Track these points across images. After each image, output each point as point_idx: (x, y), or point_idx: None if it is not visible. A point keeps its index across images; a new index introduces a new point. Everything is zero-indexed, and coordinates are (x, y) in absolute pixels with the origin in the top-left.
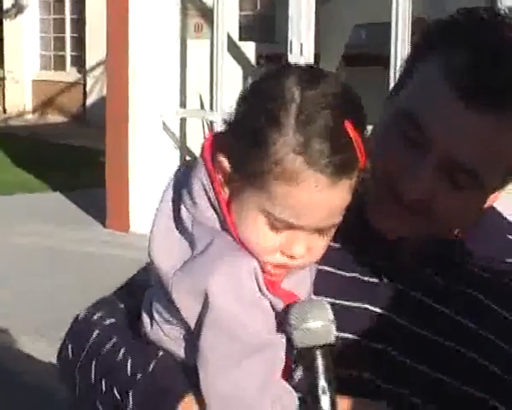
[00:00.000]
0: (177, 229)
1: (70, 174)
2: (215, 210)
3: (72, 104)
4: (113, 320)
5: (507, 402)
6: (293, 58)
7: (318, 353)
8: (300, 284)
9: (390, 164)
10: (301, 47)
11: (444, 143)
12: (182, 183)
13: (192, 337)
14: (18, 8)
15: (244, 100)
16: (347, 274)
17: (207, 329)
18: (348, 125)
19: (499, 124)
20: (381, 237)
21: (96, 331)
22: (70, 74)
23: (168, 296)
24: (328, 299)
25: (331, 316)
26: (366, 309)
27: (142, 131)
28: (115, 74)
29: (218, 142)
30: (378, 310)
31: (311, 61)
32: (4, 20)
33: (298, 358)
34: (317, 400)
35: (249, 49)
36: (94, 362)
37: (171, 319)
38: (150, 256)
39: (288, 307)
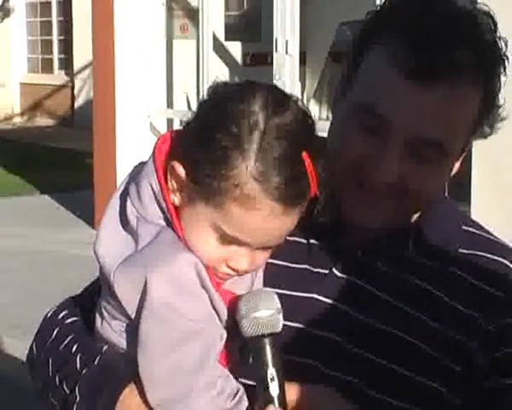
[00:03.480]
0: (122, 225)
1: (58, 176)
2: (162, 212)
3: (60, 107)
4: (74, 319)
5: (452, 388)
6: (279, 56)
7: (266, 341)
8: (240, 282)
9: (354, 155)
10: (286, 45)
11: (403, 123)
12: (133, 179)
13: (134, 328)
14: (4, 12)
15: (207, 112)
16: (298, 266)
17: (145, 316)
18: (305, 156)
19: (448, 95)
20: (341, 230)
21: (57, 329)
22: (58, 77)
23: (111, 290)
24: (278, 290)
25: (279, 305)
26: (314, 299)
27: (129, 132)
28: (102, 76)
29: (175, 145)
30: (326, 300)
31: (297, 58)
32: None
33: (247, 346)
34: (266, 387)
35: (235, 48)
36: (51, 358)
37: (115, 313)
38: (94, 252)
39: (238, 297)
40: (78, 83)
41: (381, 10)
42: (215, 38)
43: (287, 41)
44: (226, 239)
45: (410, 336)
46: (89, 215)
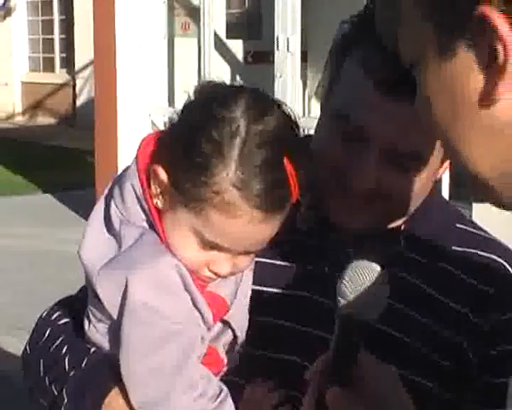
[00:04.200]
0: (106, 227)
1: (60, 175)
2: (145, 214)
3: (62, 106)
4: (66, 320)
5: (442, 384)
6: (280, 54)
7: (355, 331)
8: (224, 285)
9: (335, 160)
10: (288, 43)
11: (379, 134)
12: (117, 182)
13: (117, 330)
14: (6, 11)
15: (189, 117)
16: (289, 264)
17: (126, 318)
18: (286, 162)
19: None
20: (334, 231)
21: (49, 330)
22: (59, 76)
23: (94, 292)
24: (270, 289)
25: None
26: (307, 297)
27: (130, 130)
28: (103, 75)
29: (158, 148)
30: (319, 298)
31: (299, 56)
32: None
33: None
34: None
35: (237, 46)
36: (42, 359)
37: (100, 315)
38: (79, 255)
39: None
40: (79, 82)
41: (359, 16)
42: (216, 36)
43: (288, 39)
44: (207, 244)
45: (401, 333)
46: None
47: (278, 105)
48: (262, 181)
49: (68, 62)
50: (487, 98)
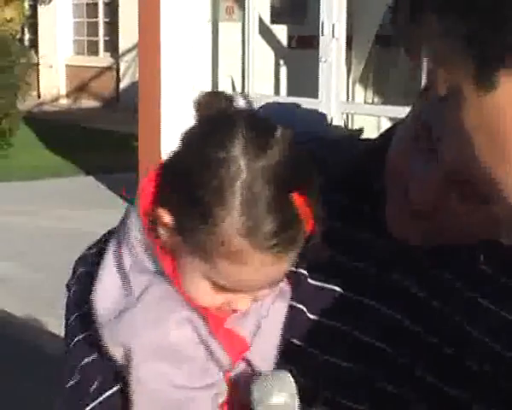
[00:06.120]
0: (117, 273)
1: (103, 158)
2: (154, 260)
3: (106, 89)
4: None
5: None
6: (325, 40)
7: None
8: (243, 320)
9: (402, 165)
10: (333, 28)
11: (452, 159)
12: (124, 225)
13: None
14: None
15: (186, 159)
16: (355, 263)
17: (132, 390)
18: (295, 197)
19: None
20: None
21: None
22: (103, 59)
23: (101, 340)
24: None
25: (294, 390)
26: (363, 303)
27: (174, 115)
28: (147, 58)
29: (160, 190)
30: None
31: (344, 42)
32: (38, 5)
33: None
34: None
35: (281, 31)
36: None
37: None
38: (91, 300)
39: (251, 379)
40: (123, 65)
41: None
42: (261, 21)
43: (333, 25)
44: (223, 288)
45: (466, 357)
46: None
47: (281, 130)
48: (269, 224)
49: (112, 46)
50: None
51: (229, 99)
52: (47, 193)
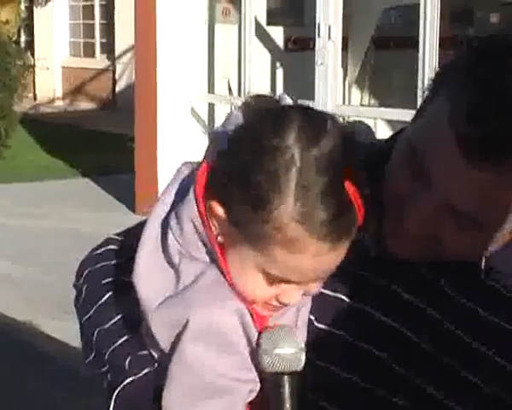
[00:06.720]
0: (164, 258)
1: (100, 160)
2: (206, 249)
3: (102, 91)
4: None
5: None
6: (321, 41)
7: (286, 379)
8: (285, 313)
9: (398, 189)
10: (329, 30)
11: (442, 188)
12: (174, 209)
13: (166, 362)
14: None
15: (240, 148)
16: (357, 272)
17: (174, 363)
18: (348, 184)
19: (500, 178)
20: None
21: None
22: (99, 61)
23: (147, 326)
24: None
25: (302, 345)
26: (365, 311)
27: (170, 116)
28: (144, 60)
29: (212, 184)
30: (378, 314)
31: (340, 44)
32: (35, 7)
33: (266, 381)
34: None
35: (277, 33)
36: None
37: (151, 344)
38: (133, 282)
39: (260, 332)
40: (119, 67)
41: (458, 55)
42: (257, 23)
43: (330, 26)
44: (275, 279)
45: (466, 371)
46: (130, 199)
47: (332, 121)
48: (324, 211)
49: (108, 48)
50: None
51: (277, 99)
52: (44, 194)
